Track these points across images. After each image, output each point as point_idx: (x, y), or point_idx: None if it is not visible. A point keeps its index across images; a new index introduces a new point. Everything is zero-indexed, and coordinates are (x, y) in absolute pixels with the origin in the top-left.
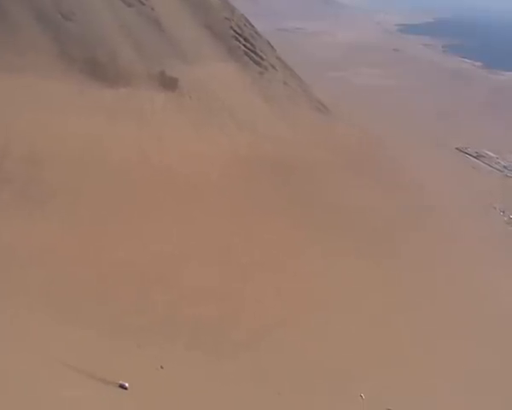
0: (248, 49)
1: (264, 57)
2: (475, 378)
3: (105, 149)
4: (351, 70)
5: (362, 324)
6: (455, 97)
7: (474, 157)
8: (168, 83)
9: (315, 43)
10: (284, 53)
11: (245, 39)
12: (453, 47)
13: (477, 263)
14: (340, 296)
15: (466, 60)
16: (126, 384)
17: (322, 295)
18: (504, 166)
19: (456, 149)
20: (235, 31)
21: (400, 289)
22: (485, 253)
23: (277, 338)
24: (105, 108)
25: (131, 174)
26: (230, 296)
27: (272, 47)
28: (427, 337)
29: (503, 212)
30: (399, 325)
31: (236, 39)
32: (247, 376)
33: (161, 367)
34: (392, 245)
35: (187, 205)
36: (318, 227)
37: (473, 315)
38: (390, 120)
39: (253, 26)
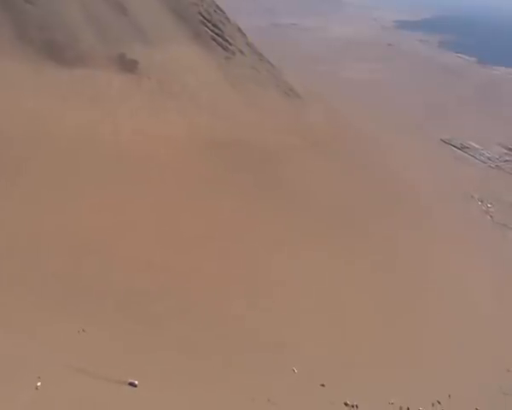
0: (216, 34)
1: (233, 42)
2: (415, 356)
3: (55, 127)
4: (341, 64)
5: (307, 298)
6: (445, 91)
7: (459, 148)
8: (127, 65)
9: (309, 39)
10: (277, 47)
11: (213, 25)
12: (449, 43)
13: (446, 249)
14: (288, 273)
15: (460, 55)
16: (136, 382)
17: (269, 271)
18: (488, 158)
19: (441, 140)
20: (203, 16)
21: (353, 267)
22: (455, 239)
23: (211, 310)
24: (59, 87)
25: (80, 151)
26: (165, 269)
27: (243, 33)
28: (372, 314)
29: (482, 201)
30: (346, 300)
31: (204, 24)
32: (172, 344)
33: (83, 330)
34: (352, 226)
35: (135, 182)
36: (273, 207)
37: (427, 299)
38: (374, 111)
39: (223, 12)
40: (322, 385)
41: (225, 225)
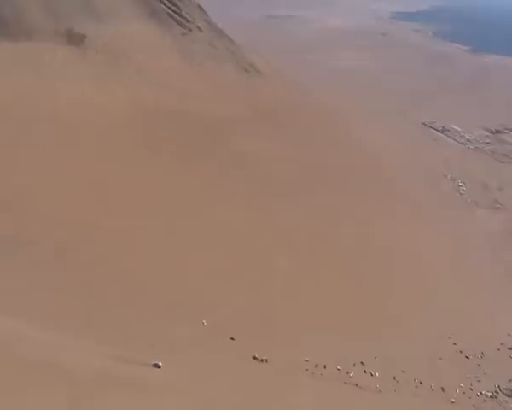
0: (173, 11)
1: (190, 20)
2: (342, 316)
3: None
4: (332, 53)
5: (227, 258)
6: (433, 78)
7: (439, 131)
8: (74, 39)
9: (303, 30)
10: (269, 37)
11: (171, 2)
12: (444, 32)
13: (403, 223)
14: (210, 235)
15: (454, 44)
16: (160, 363)
17: (191, 232)
18: (468, 140)
19: (422, 123)
20: None
21: (285, 231)
22: (416, 214)
23: (120, 263)
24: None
25: (15, 115)
26: (84, 225)
27: (203, 11)
28: (301, 273)
29: (454, 180)
30: (269, 262)
31: (161, 2)
32: (76, 288)
33: None
34: (291, 194)
35: (68, 146)
36: (209, 172)
37: (368, 263)
38: (356, 95)
39: None
40: (232, 339)
41: (156, 188)
